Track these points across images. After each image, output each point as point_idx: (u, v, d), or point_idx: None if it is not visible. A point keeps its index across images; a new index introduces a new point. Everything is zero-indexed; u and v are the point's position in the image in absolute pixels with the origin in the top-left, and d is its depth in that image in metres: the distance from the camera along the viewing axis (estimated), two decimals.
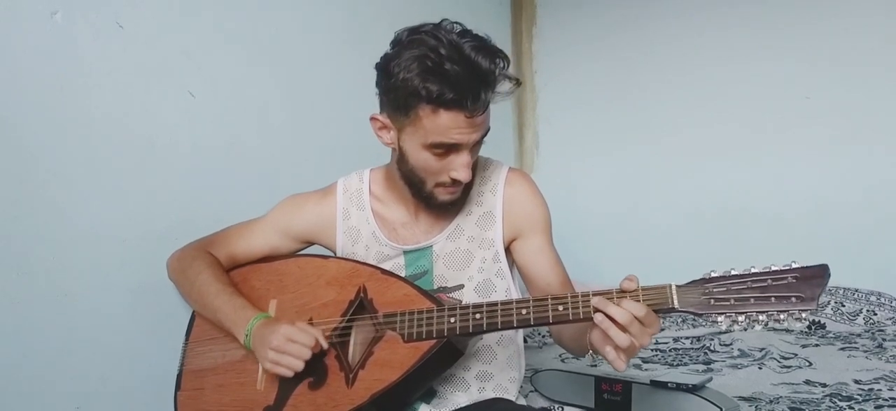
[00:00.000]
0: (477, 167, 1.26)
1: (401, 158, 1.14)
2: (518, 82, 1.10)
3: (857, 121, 2.49)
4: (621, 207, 3.01)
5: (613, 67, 3.04)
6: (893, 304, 2.30)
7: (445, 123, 1.04)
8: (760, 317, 0.86)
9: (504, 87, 1.07)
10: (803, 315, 0.84)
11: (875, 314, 2.29)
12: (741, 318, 0.87)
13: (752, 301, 0.87)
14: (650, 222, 2.92)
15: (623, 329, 0.91)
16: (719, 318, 0.88)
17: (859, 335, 2.21)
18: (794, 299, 0.84)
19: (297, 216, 1.32)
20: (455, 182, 1.12)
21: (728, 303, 0.88)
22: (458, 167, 1.09)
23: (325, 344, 1.11)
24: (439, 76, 1.00)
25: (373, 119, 1.15)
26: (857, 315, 2.32)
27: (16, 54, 1.32)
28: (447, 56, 1.00)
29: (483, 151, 1.31)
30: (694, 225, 2.80)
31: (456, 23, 1.06)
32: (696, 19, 2.82)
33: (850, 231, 2.46)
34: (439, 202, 1.16)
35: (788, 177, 2.61)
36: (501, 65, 1.04)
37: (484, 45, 1.03)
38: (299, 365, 1.08)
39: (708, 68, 2.79)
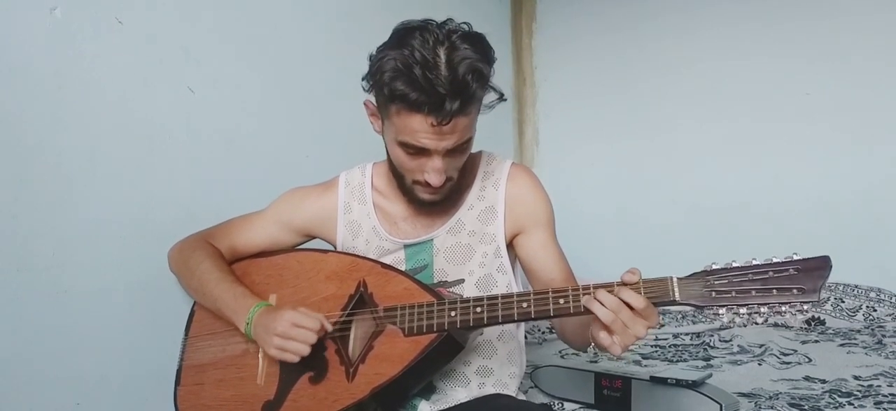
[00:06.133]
0: (480, 162, 1.27)
1: (386, 148, 1.16)
2: (502, 96, 1.11)
3: (857, 117, 2.49)
4: (621, 203, 3.01)
5: (613, 63, 3.03)
6: (893, 300, 2.30)
7: (413, 126, 1.04)
8: (762, 310, 0.86)
9: (481, 98, 1.07)
10: (805, 307, 0.83)
11: (875, 310, 2.30)
12: (743, 311, 0.86)
13: (753, 293, 0.87)
14: (650, 218, 2.92)
15: (612, 311, 0.92)
16: (721, 311, 0.88)
17: (859, 331, 2.21)
18: (795, 291, 0.84)
19: (299, 209, 1.32)
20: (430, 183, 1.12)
21: (729, 296, 0.88)
22: (429, 170, 1.09)
23: (329, 328, 1.11)
24: (406, 79, 1.01)
25: (365, 104, 1.16)
26: (857, 311, 2.32)
27: (15, 50, 1.32)
28: (420, 60, 1.00)
29: (486, 146, 1.31)
30: (693, 221, 2.80)
31: (462, 24, 1.06)
32: (696, 15, 2.82)
33: (850, 227, 2.47)
34: (420, 200, 1.17)
35: (789, 173, 2.61)
36: (472, 83, 1.02)
37: (464, 56, 1.01)
38: (305, 350, 1.08)
39: (708, 64, 2.79)
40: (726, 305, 0.88)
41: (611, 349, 0.93)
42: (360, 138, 1.47)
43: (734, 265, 0.89)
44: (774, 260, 0.87)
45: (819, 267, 0.85)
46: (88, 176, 1.43)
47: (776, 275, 0.86)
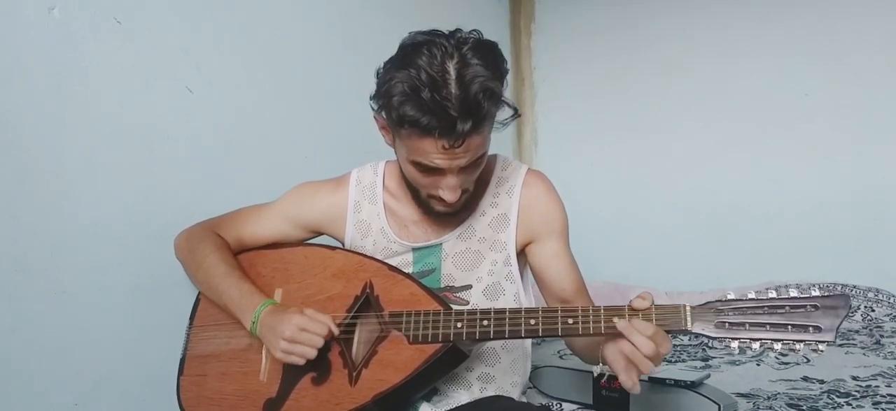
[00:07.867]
0: (495, 167, 1.24)
1: (398, 162, 1.15)
2: (516, 112, 1.07)
3: (856, 118, 2.48)
4: (620, 204, 3.00)
5: (612, 64, 3.01)
6: (891, 301, 2.31)
7: (425, 147, 1.02)
8: (776, 346, 0.84)
9: (494, 115, 1.04)
10: (820, 346, 0.82)
11: (873, 311, 2.30)
12: (756, 345, 0.85)
13: (767, 327, 0.85)
14: (648, 219, 2.92)
15: (641, 349, 0.91)
16: (733, 343, 0.87)
17: (857, 332, 2.22)
18: (811, 329, 0.82)
19: (308, 205, 1.30)
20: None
21: (743, 328, 0.86)
22: (444, 188, 1.08)
23: (336, 332, 1.10)
24: (415, 103, 0.97)
25: (376, 118, 1.13)
26: (855, 311, 2.32)
27: (13, 50, 1.30)
28: (428, 82, 0.96)
29: (498, 150, 1.28)
30: (692, 222, 2.80)
31: (472, 32, 1.03)
32: (695, 16, 2.80)
33: (849, 228, 2.47)
34: (436, 212, 1.15)
35: (788, 174, 2.61)
36: (485, 103, 0.99)
37: (475, 75, 0.97)
38: (312, 354, 1.07)
39: (707, 65, 2.78)
40: (739, 339, 0.86)
41: (627, 383, 0.93)
42: (359, 139, 1.45)
43: (749, 296, 0.87)
44: (792, 293, 0.85)
45: (838, 305, 0.83)
46: (87, 176, 1.42)
47: (793, 311, 0.84)
